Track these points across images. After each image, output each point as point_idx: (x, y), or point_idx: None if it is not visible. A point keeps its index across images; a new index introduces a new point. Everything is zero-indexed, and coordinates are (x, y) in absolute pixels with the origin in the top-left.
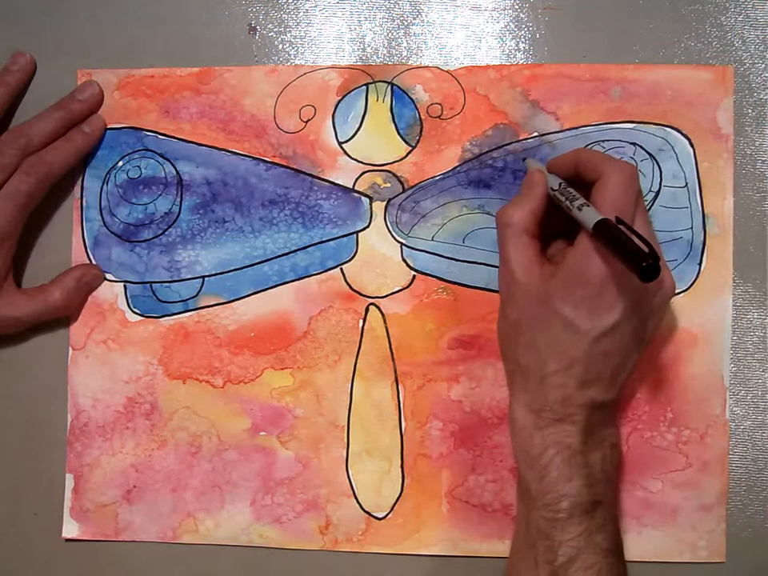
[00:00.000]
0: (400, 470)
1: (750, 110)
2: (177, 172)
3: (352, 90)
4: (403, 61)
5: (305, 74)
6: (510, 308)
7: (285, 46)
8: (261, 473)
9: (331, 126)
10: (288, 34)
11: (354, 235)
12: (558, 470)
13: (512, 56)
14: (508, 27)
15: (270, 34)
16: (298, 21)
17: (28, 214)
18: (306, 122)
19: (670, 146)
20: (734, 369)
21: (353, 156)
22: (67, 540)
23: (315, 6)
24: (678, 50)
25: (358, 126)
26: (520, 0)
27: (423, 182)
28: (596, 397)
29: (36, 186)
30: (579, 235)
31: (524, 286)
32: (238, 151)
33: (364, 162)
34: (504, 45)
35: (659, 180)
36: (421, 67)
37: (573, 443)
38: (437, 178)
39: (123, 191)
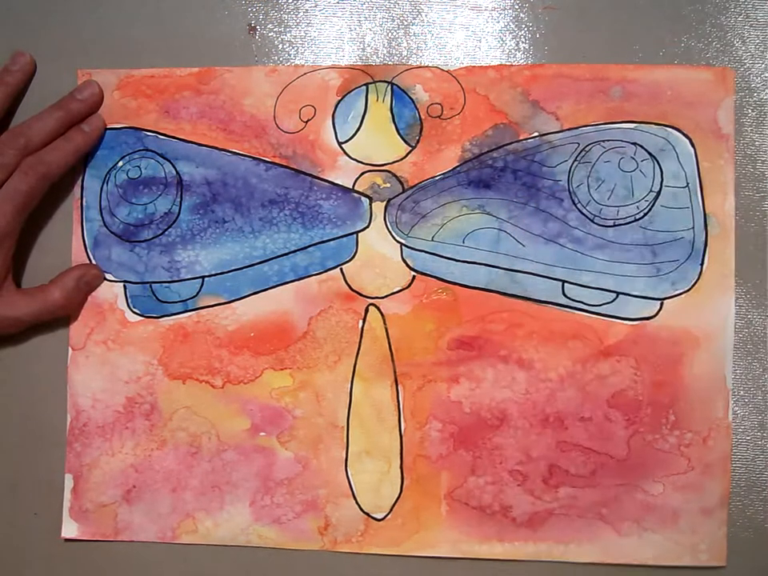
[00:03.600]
0: (399, 470)
1: (750, 110)
2: (177, 172)
3: (352, 90)
4: (403, 61)
5: (305, 74)
6: None
7: (285, 46)
8: (260, 473)
9: (331, 126)
10: (288, 34)
11: (354, 235)
12: None
13: (512, 56)
14: (508, 27)
15: (269, 34)
16: (297, 21)
17: (27, 214)
18: (306, 122)
19: (671, 146)
20: (736, 370)
21: (353, 156)
22: (67, 540)
23: (315, 6)
24: (678, 50)
25: (357, 125)
26: (520, 0)
27: (423, 181)
28: None
29: (35, 185)
30: None
31: None
32: (237, 151)
33: (364, 162)
34: (504, 45)
35: (660, 180)
36: (421, 67)
37: None
38: (437, 177)
39: (123, 191)
